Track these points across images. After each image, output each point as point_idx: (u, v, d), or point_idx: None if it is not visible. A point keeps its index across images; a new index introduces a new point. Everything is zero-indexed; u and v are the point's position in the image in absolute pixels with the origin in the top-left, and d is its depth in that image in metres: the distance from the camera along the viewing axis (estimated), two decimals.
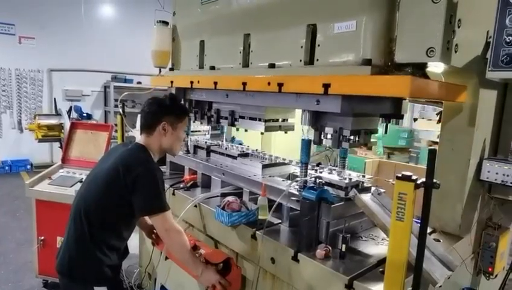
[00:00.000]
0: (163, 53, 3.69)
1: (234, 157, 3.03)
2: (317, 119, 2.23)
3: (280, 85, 2.17)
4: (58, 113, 8.10)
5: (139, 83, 9.83)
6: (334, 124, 2.15)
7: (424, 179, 1.45)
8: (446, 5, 1.64)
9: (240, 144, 3.90)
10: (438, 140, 6.00)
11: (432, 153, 1.43)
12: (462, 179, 2.25)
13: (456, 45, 1.80)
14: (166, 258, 2.66)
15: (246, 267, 2.44)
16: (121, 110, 3.79)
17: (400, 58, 1.84)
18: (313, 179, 2.35)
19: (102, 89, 10.16)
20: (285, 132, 2.87)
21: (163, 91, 3.11)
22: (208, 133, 3.93)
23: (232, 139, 4.14)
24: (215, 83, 2.71)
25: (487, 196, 2.42)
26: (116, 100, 9.59)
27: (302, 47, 2.21)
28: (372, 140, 2.26)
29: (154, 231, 2.66)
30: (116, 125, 4.14)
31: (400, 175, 1.45)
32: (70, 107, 8.61)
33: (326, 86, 1.91)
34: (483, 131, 2.28)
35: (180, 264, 2.48)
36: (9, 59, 8.79)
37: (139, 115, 5.12)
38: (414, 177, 1.44)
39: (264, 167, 2.74)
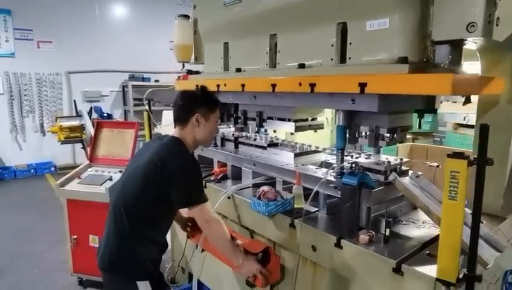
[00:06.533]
0: (185, 47, 3.69)
1: (264, 148, 3.01)
2: (351, 118, 2.21)
3: (312, 85, 2.14)
4: (79, 115, 8.20)
5: (156, 81, 9.87)
6: (369, 123, 2.13)
7: (476, 156, 1.41)
8: None
9: (266, 134, 3.89)
10: (464, 122, 5.76)
11: (485, 129, 1.39)
12: (503, 158, 2.19)
13: (498, 18, 1.74)
14: (203, 250, 2.66)
15: (284, 256, 2.43)
16: (147, 107, 3.82)
17: (437, 36, 1.80)
18: (350, 165, 2.33)
19: (121, 89, 10.24)
20: (315, 131, 2.84)
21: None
22: (233, 125, 3.91)
23: (259, 130, 4.13)
24: (243, 86, 2.71)
25: None
26: (135, 99, 9.67)
27: (332, 46, 2.17)
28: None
29: (189, 223, 2.68)
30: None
31: (450, 153, 1.42)
32: (91, 108, 8.71)
33: (363, 86, 1.87)
34: None
35: (218, 255, 2.48)
36: (29, 64, 8.92)
37: (163, 112, 5.19)
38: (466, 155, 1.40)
39: (296, 155, 2.72)
